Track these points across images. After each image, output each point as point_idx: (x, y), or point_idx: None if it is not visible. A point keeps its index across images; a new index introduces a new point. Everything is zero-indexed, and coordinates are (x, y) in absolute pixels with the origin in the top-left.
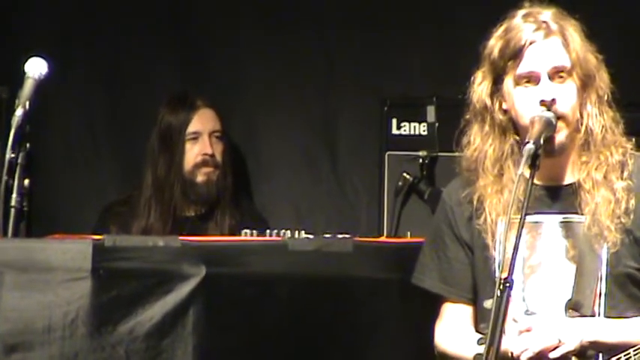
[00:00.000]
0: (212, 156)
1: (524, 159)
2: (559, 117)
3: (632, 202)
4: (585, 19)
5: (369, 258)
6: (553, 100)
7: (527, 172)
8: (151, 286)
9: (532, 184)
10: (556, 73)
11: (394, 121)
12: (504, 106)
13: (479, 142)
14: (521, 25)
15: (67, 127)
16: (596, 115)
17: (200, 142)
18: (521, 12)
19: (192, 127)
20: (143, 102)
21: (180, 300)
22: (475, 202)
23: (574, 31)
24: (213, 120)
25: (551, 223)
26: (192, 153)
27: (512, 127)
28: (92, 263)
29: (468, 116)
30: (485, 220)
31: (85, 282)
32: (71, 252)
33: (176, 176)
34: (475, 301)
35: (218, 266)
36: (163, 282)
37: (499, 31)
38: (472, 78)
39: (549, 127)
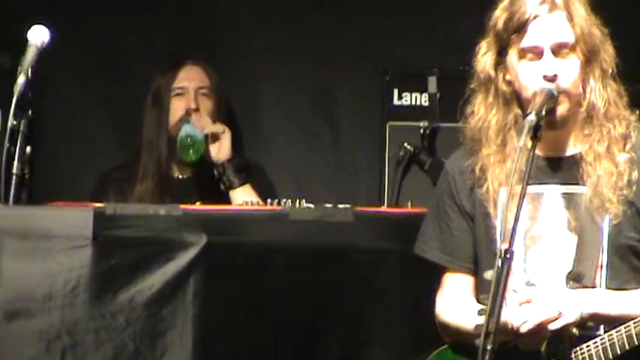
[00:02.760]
0: (196, 110)
1: (525, 130)
2: (561, 91)
3: (635, 174)
4: None
5: (370, 228)
6: (555, 75)
7: (529, 144)
8: (152, 254)
9: (533, 154)
10: (559, 48)
11: (395, 91)
12: (508, 78)
13: (483, 112)
14: None
15: (65, 96)
16: (599, 89)
17: (185, 97)
18: None
19: (178, 83)
20: (141, 70)
21: (180, 268)
22: (477, 172)
23: (579, 5)
24: (199, 76)
25: (552, 193)
26: (177, 108)
27: (516, 98)
28: (93, 231)
29: (472, 86)
30: (488, 189)
31: (85, 250)
32: (72, 220)
33: (163, 133)
34: (476, 271)
35: (219, 235)
36: (164, 250)
37: (504, 2)
38: (477, 48)
39: (551, 99)
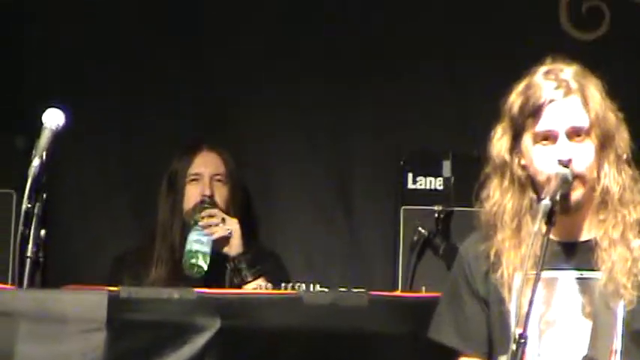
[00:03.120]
0: (211, 197)
1: (539, 215)
2: (575, 176)
3: None
4: (609, 75)
5: (385, 312)
6: (570, 160)
7: (543, 228)
8: (166, 338)
9: (548, 239)
10: (574, 133)
11: (410, 175)
12: (523, 162)
13: (498, 197)
14: (541, 83)
15: (81, 177)
16: (614, 174)
17: (200, 183)
18: (542, 69)
19: (194, 169)
20: (160, 153)
21: (195, 352)
22: (492, 257)
23: (595, 90)
24: (216, 163)
25: (567, 279)
26: (192, 194)
27: (531, 183)
28: (107, 314)
29: (487, 170)
30: (502, 274)
31: (100, 333)
32: (86, 303)
33: (177, 219)
34: (491, 355)
35: (233, 319)
36: (178, 334)
37: (520, 87)
38: (492, 132)
39: (565, 184)
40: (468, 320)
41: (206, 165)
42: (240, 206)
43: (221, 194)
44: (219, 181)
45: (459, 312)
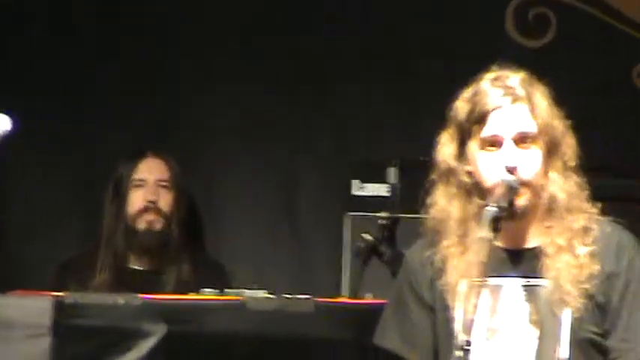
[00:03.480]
0: (154, 203)
1: (485, 222)
2: (522, 183)
3: (596, 267)
4: (556, 83)
5: (330, 318)
6: (516, 166)
7: (489, 235)
8: (112, 343)
9: (493, 246)
10: (521, 139)
11: (356, 181)
12: (469, 169)
13: (444, 203)
14: (488, 90)
15: (25, 184)
16: (560, 181)
17: (144, 189)
18: (489, 75)
19: (138, 174)
20: (106, 159)
21: (140, 357)
22: (438, 263)
23: (542, 97)
24: (160, 169)
25: (513, 286)
26: (136, 199)
27: (477, 189)
28: (52, 320)
29: (433, 177)
30: (448, 281)
31: (45, 339)
32: (32, 308)
33: (121, 224)
34: None
35: (178, 324)
36: (123, 340)
37: (466, 93)
38: (438, 139)
39: (511, 191)
40: (414, 327)
41: (150, 171)
42: (185, 212)
43: (165, 200)
44: (163, 187)
45: (405, 318)
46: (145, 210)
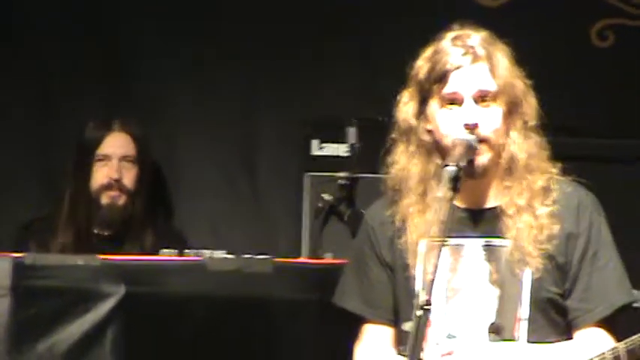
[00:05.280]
0: (118, 180)
1: (444, 181)
2: (481, 140)
3: (556, 227)
4: (516, 43)
5: (289, 279)
6: (476, 124)
7: (448, 194)
8: (70, 304)
9: (453, 206)
10: (481, 97)
11: (315, 141)
12: (429, 127)
13: (404, 162)
14: (448, 49)
15: None
16: (520, 141)
17: (108, 165)
18: (450, 34)
19: (102, 150)
20: (69, 121)
21: (99, 319)
22: (398, 222)
23: (502, 56)
24: (125, 145)
25: (473, 246)
26: (100, 175)
27: (437, 148)
28: (12, 281)
29: (393, 136)
30: (408, 240)
31: (4, 300)
32: None
33: (84, 197)
34: (396, 322)
35: (137, 285)
36: (82, 301)
37: (427, 53)
38: (398, 97)
39: (470, 149)
40: (373, 287)
41: (115, 146)
42: (150, 186)
43: (129, 176)
44: (128, 162)
45: (364, 278)
46: (109, 186)
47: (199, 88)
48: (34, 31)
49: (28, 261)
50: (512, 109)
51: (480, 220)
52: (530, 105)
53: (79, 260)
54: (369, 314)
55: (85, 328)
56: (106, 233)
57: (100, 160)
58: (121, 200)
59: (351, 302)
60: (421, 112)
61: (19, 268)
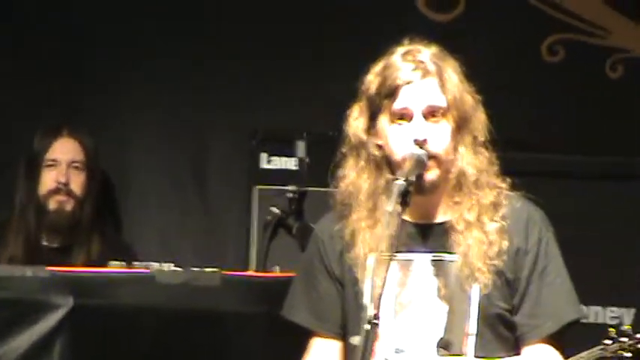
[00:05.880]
0: (66, 185)
1: (393, 195)
2: (431, 156)
3: (505, 243)
4: (466, 57)
5: (237, 292)
6: (425, 140)
7: (397, 209)
8: (19, 315)
9: (402, 220)
10: (430, 113)
11: (264, 154)
12: (379, 142)
13: (354, 176)
14: (399, 64)
15: None
16: (469, 156)
17: (57, 169)
18: (400, 49)
19: (51, 154)
20: (19, 127)
21: (47, 330)
22: (347, 236)
23: (452, 72)
24: (74, 150)
25: (422, 261)
26: (48, 179)
27: (387, 163)
28: None
29: (343, 150)
30: (357, 254)
31: None
32: None
33: (32, 203)
34: (344, 336)
35: (86, 297)
36: (31, 312)
37: (377, 67)
38: (348, 112)
39: (420, 165)
40: (322, 300)
41: (64, 151)
42: (98, 193)
43: (77, 181)
44: (76, 168)
45: (313, 292)
46: (56, 191)
47: (149, 99)
48: None
49: None
50: (461, 125)
51: (429, 235)
52: (480, 120)
53: (28, 271)
54: (317, 327)
55: (33, 339)
56: (54, 245)
57: (48, 165)
58: (69, 205)
59: (299, 315)
60: (371, 126)
61: None
